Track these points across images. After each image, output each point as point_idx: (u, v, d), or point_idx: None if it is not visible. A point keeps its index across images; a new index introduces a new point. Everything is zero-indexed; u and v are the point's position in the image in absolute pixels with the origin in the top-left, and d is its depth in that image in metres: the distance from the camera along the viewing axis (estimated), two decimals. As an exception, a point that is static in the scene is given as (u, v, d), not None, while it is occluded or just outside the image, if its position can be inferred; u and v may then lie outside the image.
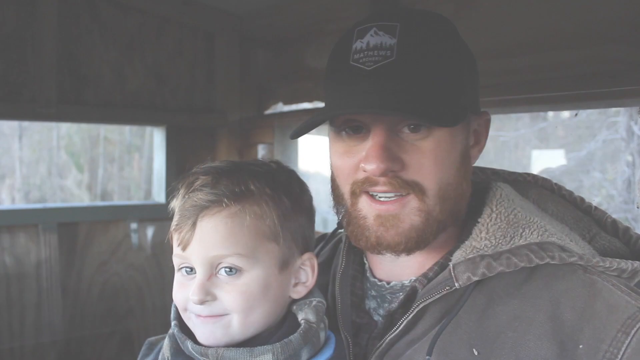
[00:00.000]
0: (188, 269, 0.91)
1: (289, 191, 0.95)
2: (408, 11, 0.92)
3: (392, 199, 0.88)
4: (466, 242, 0.90)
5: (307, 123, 0.90)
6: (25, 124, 6.87)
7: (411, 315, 0.89)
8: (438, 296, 0.88)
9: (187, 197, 0.91)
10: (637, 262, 0.90)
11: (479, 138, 0.98)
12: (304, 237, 0.96)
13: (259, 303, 0.89)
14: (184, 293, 0.90)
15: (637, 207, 3.69)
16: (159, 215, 2.50)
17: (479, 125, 0.98)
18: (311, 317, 0.92)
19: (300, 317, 0.93)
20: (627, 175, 4.07)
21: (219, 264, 0.88)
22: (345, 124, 0.91)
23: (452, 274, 0.87)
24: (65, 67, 2.19)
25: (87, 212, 2.45)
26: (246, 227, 0.88)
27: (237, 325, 0.88)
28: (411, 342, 0.90)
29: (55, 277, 2.30)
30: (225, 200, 0.88)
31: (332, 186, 0.97)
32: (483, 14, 1.63)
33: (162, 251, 2.53)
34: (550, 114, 4.83)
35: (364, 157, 0.87)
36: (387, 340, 0.91)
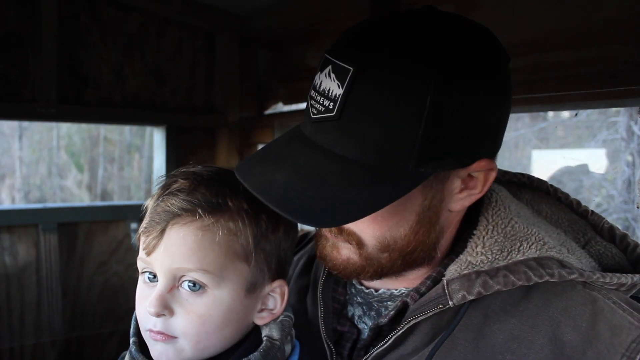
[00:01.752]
0: (151, 275, 0.86)
1: (270, 209, 0.86)
2: (380, 45, 0.75)
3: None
4: (461, 256, 0.84)
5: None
6: (25, 124, 6.87)
7: (401, 331, 0.85)
8: (431, 314, 0.83)
9: (160, 199, 0.85)
10: (637, 275, 0.86)
11: (475, 184, 0.83)
12: (279, 260, 0.90)
13: (217, 327, 0.83)
14: (145, 305, 0.84)
15: (637, 207, 3.69)
16: (159, 215, 2.49)
17: (474, 172, 0.82)
18: (275, 334, 0.87)
19: (264, 333, 0.88)
20: (627, 175, 4.07)
21: (182, 276, 0.82)
22: None
23: (446, 290, 0.81)
24: (65, 67, 2.19)
25: (87, 212, 2.45)
26: (217, 242, 0.82)
27: (190, 350, 0.83)
28: (401, 357, 0.86)
29: (55, 277, 2.30)
30: (200, 210, 0.82)
31: None
32: (483, 14, 1.63)
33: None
34: (550, 114, 4.84)
35: None
36: (373, 353, 0.87)
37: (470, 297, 0.80)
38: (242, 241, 0.84)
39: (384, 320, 0.89)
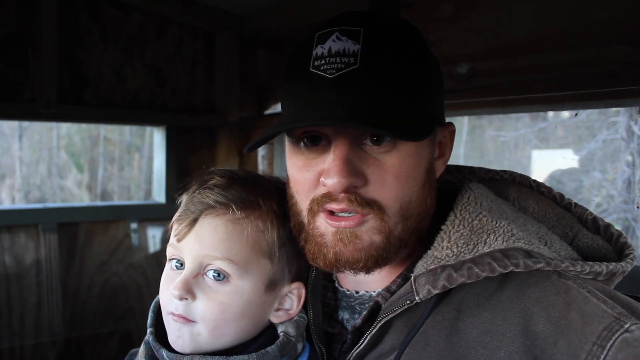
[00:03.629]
0: (178, 263, 0.91)
1: None
2: (372, 16, 0.86)
3: (351, 215, 0.82)
4: (428, 252, 0.86)
5: (264, 135, 0.83)
6: (25, 124, 6.86)
7: (374, 330, 0.86)
8: (400, 310, 0.84)
9: (197, 192, 0.91)
10: (613, 263, 0.85)
11: (444, 150, 0.93)
12: (299, 265, 0.95)
13: (235, 317, 0.87)
14: (170, 289, 0.88)
15: (637, 207, 3.69)
16: (159, 215, 2.50)
17: (444, 137, 0.93)
18: (291, 331, 0.91)
19: (280, 329, 0.92)
20: (627, 175, 4.07)
21: (209, 265, 0.87)
22: (304, 135, 0.85)
23: (413, 286, 0.82)
24: (65, 67, 2.20)
25: (87, 212, 2.45)
26: (245, 236, 0.88)
27: (206, 336, 0.87)
28: (379, 356, 0.87)
29: (55, 277, 2.30)
30: (233, 205, 0.88)
31: (290, 202, 0.91)
32: (483, 14, 1.63)
33: (162, 251, 2.53)
34: (550, 114, 4.83)
35: (325, 171, 0.82)
36: (354, 354, 0.88)
37: (436, 291, 0.81)
38: (269, 239, 0.90)
39: (359, 322, 0.91)
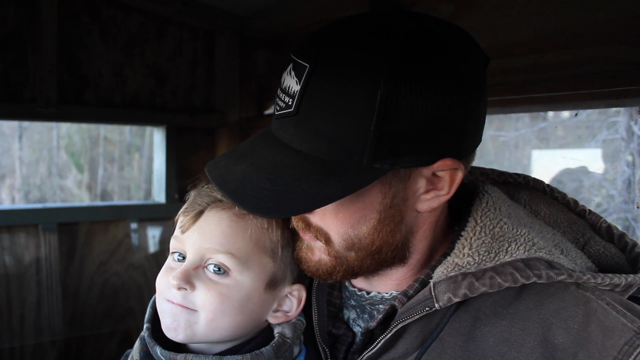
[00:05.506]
0: (180, 256, 0.91)
1: None
2: (336, 41, 0.76)
3: None
4: (448, 258, 0.84)
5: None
6: (25, 124, 6.87)
7: (389, 335, 0.85)
8: (418, 317, 0.82)
9: (205, 186, 0.93)
10: (631, 275, 0.84)
11: (441, 184, 0.81)
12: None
13: (232, 311, 0.87)
14: (169, 278, 0.88)
15: (637, 207, 3.69)
16: (159, 215, 2.50)
17: (438, 171, 0.80)
18: (287, 332, 0.90)
19: (277, 330, 0.91)
20: (627, 175, 4.07)
21: (210, 258, 0.87)
22: None
23: (433, 293, 0.80)
24: (65, 67, 2.19)
25: (87, 212, 2.45)
26: (249, 233, 0.88)
27: (203, 325, 0.86)
28: None
29: (55, 277, 2.30)
30: None
31: None
32: (483, 14, 1.63)
33: (162, 251, 2.53)
34: (550, 114, 4.84)
35: None
36: (364, 357, 0.87)
37: (456, 300, 0.80)
38: (272, 238, 0.89)
39: (373, 325, 0.89)
